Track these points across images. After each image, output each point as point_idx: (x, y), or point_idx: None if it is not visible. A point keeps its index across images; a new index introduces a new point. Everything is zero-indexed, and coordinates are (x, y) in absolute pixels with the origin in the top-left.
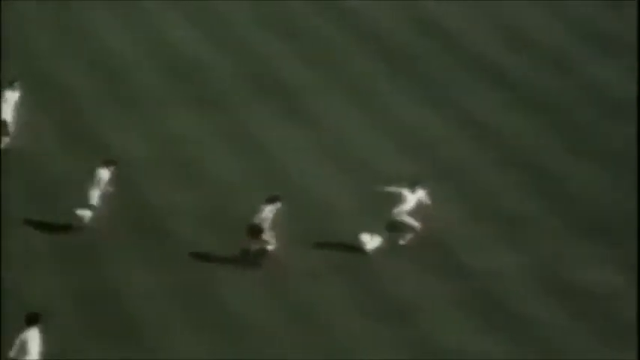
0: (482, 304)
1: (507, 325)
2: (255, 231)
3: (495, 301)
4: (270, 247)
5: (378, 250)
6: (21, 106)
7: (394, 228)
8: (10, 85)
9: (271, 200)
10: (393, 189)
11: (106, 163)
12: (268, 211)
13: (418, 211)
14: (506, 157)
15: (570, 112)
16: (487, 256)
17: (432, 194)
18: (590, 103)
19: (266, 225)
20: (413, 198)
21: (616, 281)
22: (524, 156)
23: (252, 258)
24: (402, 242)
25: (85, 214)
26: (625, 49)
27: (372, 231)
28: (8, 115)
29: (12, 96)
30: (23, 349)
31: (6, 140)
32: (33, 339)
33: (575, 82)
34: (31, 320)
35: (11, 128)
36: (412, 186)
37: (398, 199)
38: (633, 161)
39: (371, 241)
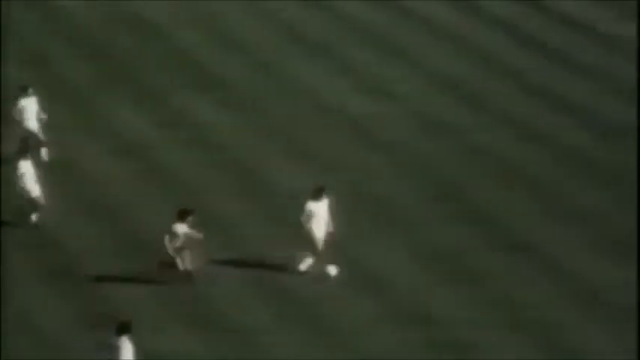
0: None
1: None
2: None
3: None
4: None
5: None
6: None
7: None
8: (24, 92)
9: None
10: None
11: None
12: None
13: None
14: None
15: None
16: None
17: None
18: None
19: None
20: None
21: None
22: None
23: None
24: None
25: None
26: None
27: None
28: (33, 124)
29: (30, 103)
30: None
31: (44, 151)
32: (125, 348)
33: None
34: (123, 329)
35: (41, 136)
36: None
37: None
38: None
39: (304, 263)
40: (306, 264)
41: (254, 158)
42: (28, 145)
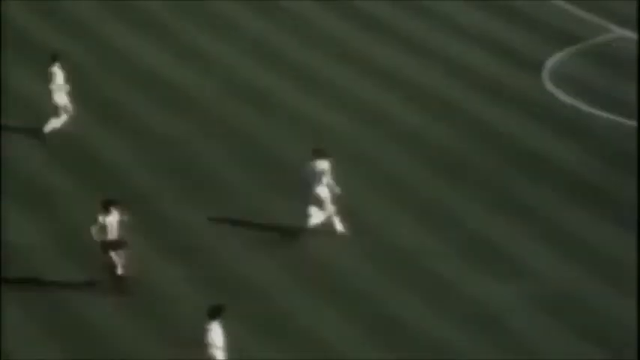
0: None
1: None
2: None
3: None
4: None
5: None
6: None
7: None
8: (54, 60)
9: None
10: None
11: None
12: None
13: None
14: None
15: None
16: None
17: None
18: None
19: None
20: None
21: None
22: None
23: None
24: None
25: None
26: None
27: None
28: (62, 97)
29: (59, 73)
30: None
31: (58, 122)
32: (215, 331)
33: None
34: (214, 313)
35: (67, 110)
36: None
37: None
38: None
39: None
40: (316, 219)
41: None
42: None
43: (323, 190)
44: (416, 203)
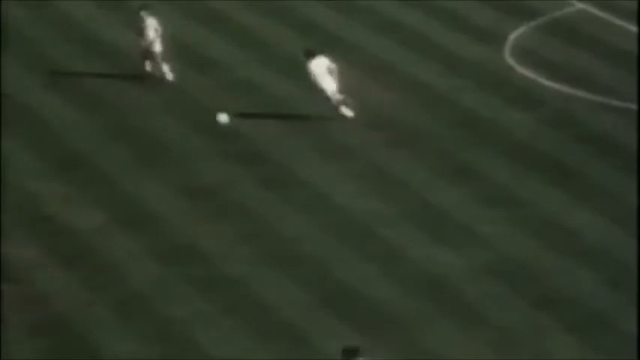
0: None
1: None
2: None
3: None
4: None
5: None
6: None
7: None
8: (144, 8)
9: None
10: None
11: None
12: None
13: None
14: None
15: None
16: None
17: None
18: None
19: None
20: None
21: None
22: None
23: None
24: None
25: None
26: None
27: None
28: (156, 44)
29: (151, 20)
30: None
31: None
32: None
33: None
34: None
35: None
36: None
37: None
38: None
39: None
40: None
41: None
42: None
43: None
44: (369, 171)
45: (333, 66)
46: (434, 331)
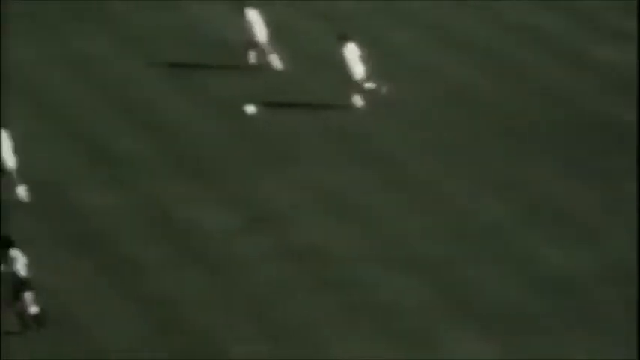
0: (89, 244)
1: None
2: None
3: (102, 241)
4: None
5: None
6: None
7: None
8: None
9: None
10: None
11: None
12: None
13: None
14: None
15: None
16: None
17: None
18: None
19: None
20: None
21: (229, 221)
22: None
23: None
24: None
25: None
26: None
27: None
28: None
29: (254, 15)
30: None
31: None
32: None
33: None
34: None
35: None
36: None
37: None
38: None
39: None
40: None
41: None
42: None
43: None
44: (497, 175)
45: (362, 53)
46: (561, 333)
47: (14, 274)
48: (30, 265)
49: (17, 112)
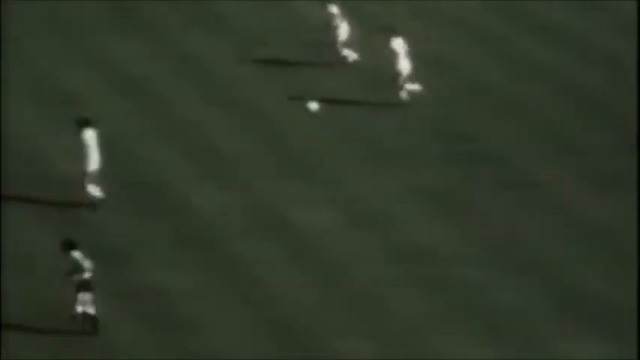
0: (200, 244)
1: (222, 264)
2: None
3: (212, 241)
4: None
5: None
6: None
7: None
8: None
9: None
10: None
11: None
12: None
13: None
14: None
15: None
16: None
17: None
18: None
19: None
20: None
21: (329, 220)
22: (231, 93)
23: None
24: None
25: None
26: None
27: None
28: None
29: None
30: None
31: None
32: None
33: None
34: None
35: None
36: None
37: None
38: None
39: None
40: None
41: None
42: None
43: None
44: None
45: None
46: None
47: (75, 276)
48: (144, 267)
49: (121, 109)
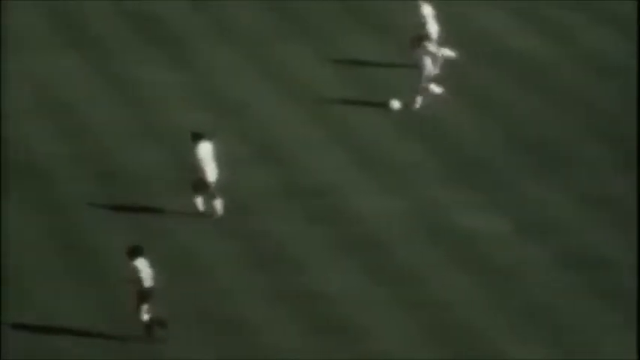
0: (365, 249)
1: (387, 270)
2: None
3: (378, 246)
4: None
5: (258, 194)
6: None
7: None
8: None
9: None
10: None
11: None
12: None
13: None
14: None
15: None
16: (369, 200)
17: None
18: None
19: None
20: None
21: (496, 226)
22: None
23: None
24: None
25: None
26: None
27: None
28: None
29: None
30: None
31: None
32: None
33: None
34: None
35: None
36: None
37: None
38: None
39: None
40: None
41: None
42: None
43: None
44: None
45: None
46: None
47: (139, 283)
48: (311, 272)
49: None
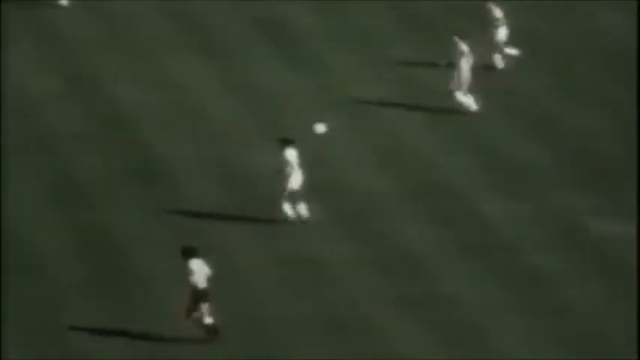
0: (489, 251)
1: (512, 274)
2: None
3: (503, 249)
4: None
5: (382, 197)
6: None
7: None
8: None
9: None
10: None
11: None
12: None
13: None
14: (510, 106)
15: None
16: (495, 203)
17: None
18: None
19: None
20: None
21: (623, 231)
22: (528, 104)
23: None
24: None
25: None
26: None
27: None
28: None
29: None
30: None
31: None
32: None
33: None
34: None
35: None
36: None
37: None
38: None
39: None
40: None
41: None
42: None
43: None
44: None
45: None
46: None
47: (194, 285)
48: (434, 275)
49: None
